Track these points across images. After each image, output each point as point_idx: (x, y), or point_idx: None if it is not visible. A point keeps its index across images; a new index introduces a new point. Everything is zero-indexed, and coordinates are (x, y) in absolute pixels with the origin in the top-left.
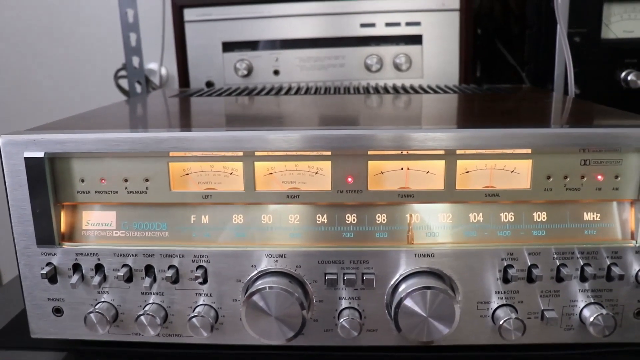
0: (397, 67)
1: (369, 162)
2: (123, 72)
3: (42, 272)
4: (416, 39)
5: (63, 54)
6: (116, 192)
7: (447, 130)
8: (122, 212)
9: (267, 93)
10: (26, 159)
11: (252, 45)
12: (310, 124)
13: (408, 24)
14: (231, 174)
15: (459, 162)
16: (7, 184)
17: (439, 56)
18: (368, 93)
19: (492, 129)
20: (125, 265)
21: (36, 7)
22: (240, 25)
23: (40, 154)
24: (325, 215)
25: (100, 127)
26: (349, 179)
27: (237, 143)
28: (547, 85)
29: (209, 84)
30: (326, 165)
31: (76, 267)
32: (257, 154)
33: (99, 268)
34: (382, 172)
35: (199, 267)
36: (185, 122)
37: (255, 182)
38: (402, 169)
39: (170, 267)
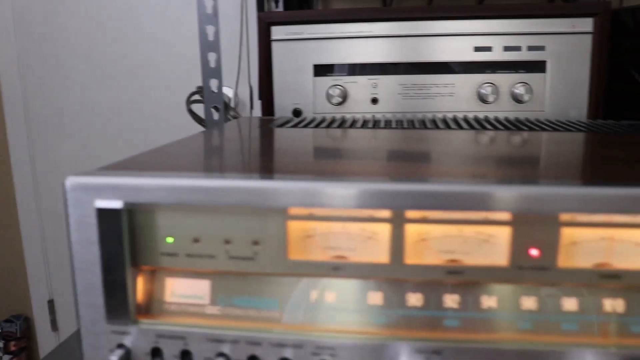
0: (516, 98)
1: (561, 229)
2: (196, 97)
3: (112, 358)
4: (539, 66)
5: (131, 73)
6: (213, 256)
7: None
8: (220, 283)
9: (386, 126)
10: (99, 210)
11: (348, 69)
12: (476, 173)
13: (530, 48)
14: (370, 238)
15: None
16: (71, 240)
17: (564, 86)
18: (495, 128)
19: None
20: (221, 354)
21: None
22: (335, 45)
23: (118, 205)
24: (494, 298)
25: (191, 167)
26: (533, 252)
27: (383, 199)
28: None
29: (297, 112)
30: (502, 232)
31: (156, 353)
32: (408, 214)
33: (185, 355)
34: (575, 243)
35: None
36: (302, 166)
37: (404, 251)
38: (602, 239)
39: None
